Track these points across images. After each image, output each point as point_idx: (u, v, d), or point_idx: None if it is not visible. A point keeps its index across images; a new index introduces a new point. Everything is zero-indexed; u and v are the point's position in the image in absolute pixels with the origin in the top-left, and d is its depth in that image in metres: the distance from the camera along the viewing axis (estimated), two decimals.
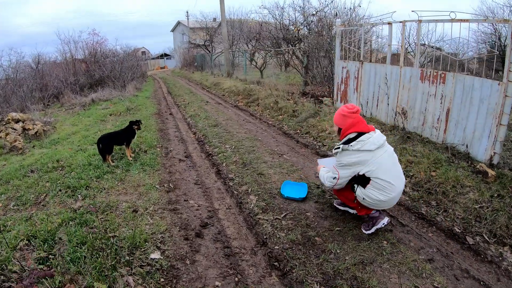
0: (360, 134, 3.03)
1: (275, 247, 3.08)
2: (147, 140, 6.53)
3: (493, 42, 11.30)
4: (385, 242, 3.15)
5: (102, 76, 17.44)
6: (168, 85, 20.18)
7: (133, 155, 5.58)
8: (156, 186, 4.39)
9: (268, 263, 2.91)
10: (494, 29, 12.39)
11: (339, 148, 3.07)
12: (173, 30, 51.46)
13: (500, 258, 2.96)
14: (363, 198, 3.10)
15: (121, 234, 3.17)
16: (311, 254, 2.98)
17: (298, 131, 7.19)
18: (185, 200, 4.05)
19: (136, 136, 5.65)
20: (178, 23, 47.34)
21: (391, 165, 3.07)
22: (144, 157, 5.51)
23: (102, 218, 3.50)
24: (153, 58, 53.24)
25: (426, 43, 11.75)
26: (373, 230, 3.23)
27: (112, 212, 3.65)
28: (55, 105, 14.64)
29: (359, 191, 3.12)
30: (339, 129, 3.19)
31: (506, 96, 4.09)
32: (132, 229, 3.21)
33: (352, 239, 3.19)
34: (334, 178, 3.16)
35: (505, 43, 3.99)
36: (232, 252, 3.05)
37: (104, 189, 4.28)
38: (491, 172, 4.03)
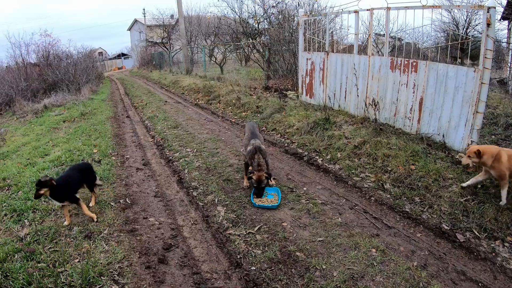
0: None
1: (252, 268, 2.62)
2: (101, 148, 5.79)
3: (452, 31, 11.58)
4: (373, 250, 2.81)
5: (56, 80, 16.12)
6: (125, 86, 19.04)
7: None
8: (111, 203, 3.76)
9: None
10: (452, 18, 12.73)
11: None
12: (130, 29, 49.14)
13: (493, 254, 2.80)
14: None
15: (72, 267, 2.62)
16: (294, 273, 2.55)
17: (264, 128, 6.77)
18: (144, 218, 3.46)
19: None
20: (135, 21, 45.27)
21: None
22: (98, 169, 4.81)
23: (51, 248, 2.92)
24: (110, 59, 50.46)
25: (383, 33, 11.82)
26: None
27: (61, 239, 3.05)
28: (7, 113, 13.25)
29: None
30: None
31: (482, 83, 3.92)
32: (86, 261, 2.69)
33: (338, 250, 2.81)
34: None
35: (481, 30, 3.84)
36: (202, 278, 2.55)
37: (53, 210, 3.62)
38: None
